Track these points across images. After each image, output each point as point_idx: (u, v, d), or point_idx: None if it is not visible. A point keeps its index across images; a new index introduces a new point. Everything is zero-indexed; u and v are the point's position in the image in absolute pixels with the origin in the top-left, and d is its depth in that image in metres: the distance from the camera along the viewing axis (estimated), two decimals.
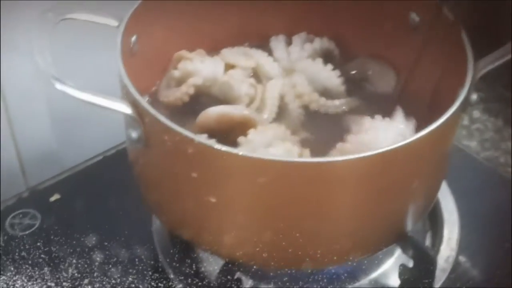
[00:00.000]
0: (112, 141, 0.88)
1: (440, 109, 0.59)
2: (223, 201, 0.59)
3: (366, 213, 0.61)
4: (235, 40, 0.80)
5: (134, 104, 0.59)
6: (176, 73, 0.73)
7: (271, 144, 0.64)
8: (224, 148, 0.55)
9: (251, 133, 0.65)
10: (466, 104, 0.62)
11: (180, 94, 0.71)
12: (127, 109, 0.59)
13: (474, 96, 0.63)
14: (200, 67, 0.73)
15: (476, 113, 1.15)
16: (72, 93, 0.58)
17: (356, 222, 0.61)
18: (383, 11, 0.69)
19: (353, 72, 0.79)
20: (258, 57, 0.78)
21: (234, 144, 0.64)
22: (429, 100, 0.70)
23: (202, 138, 0.57)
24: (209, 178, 0.58)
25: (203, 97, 0.73)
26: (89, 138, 0.88)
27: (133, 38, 0.68)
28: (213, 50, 0.78)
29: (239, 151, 0.55)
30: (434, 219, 0.79)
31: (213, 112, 0.68)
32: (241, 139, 0.64)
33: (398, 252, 0.74)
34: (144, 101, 0.58)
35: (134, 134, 0.60)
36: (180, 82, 0.73)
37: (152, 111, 0.58)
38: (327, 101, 0.74)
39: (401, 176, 0.59)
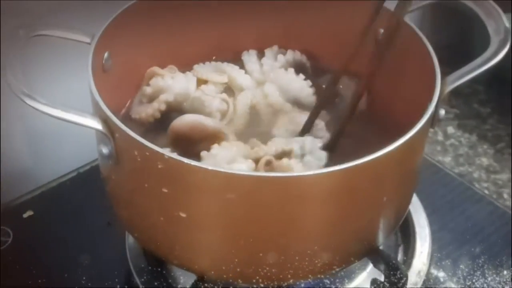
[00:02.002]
0: (86, 157, 0.88)
1: (410, 124, 0.60)
2: (193, 216, 0.59)
3: (335, 227, 0.61)
4: (207, 56, 0.80)
5: (105, 120, 0.59)
6: (148, 90, 0.74)
7: (235, 160, 0.64)
8: (193, 163, 0.55)
9: (215, 147, 0.65)
10: (434, 119, 0.63)
11: (151, 110, 0.72)
12: (97, 125, 0.59)
13: (442, 111, 0.64)
14: (171, 83, 0.73)
15: (451, 129, 1.17)
16: (43, 109, 0.58)
17: (325, 236, 0.61)
18: (352, 27, 0.70)
19: (325, 86, 0.79)
20: (230, 70, 0.78)
21: (197, 158, 0.64)
22: (399, 115, 0.71)
23: (173, 154, 0.57)
24: (179, 193, 0.58)
25: (175, 114, 0.73)
26: (62, 154, 0.88)
27: (105, 55, 0.68)
28: (185, 65, 0.78)
29: (209, 166, 0.55)
30: (406, 234, 0.80)
31: (189, 119, 0.68)
32: (203, 153, 0.64)
33: (370, 266, 0.74)
34: (114, 117, 0.58)
35: (105, 150, 0.60)
36: (152, 98, 0.73)
37: (122, 126, 0.57)
38: (298, 112, 0.75)
39: (369, 190, 0.60)
